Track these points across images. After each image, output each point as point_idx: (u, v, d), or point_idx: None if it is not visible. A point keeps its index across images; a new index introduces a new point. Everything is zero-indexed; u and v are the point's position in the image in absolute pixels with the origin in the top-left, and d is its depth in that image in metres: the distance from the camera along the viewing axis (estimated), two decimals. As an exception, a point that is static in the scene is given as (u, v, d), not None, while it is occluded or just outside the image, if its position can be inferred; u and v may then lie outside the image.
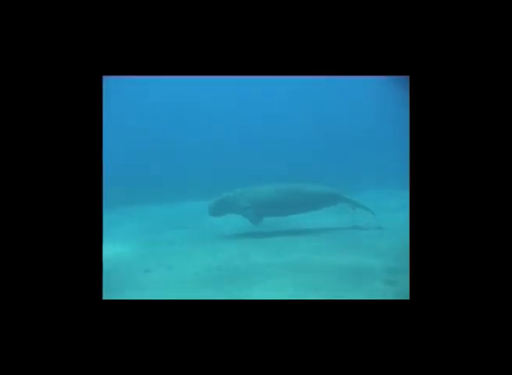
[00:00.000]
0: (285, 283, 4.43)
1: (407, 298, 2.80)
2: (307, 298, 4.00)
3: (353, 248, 5.77)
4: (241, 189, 6.73)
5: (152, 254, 5.98)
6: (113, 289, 4.32)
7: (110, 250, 6.19)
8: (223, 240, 6.57)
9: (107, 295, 3.16)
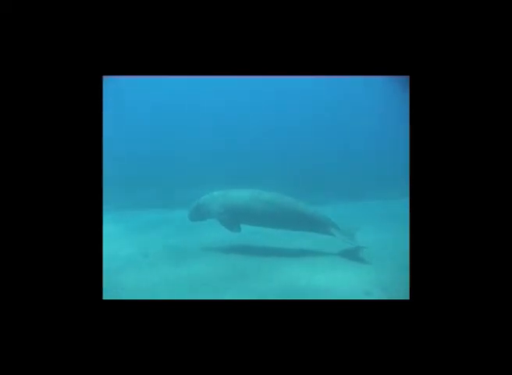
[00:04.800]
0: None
1: (407, 297, 2.80)
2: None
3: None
4: (218, 192, 6.21)
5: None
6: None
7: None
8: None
9: (108, 295, 3.16)
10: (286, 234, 6.42)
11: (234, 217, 5.97)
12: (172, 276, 5.03)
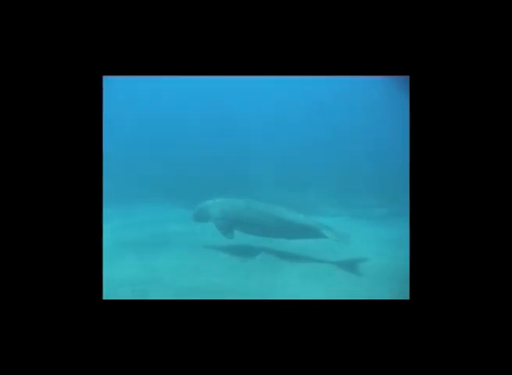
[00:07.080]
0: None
1: (407, 297, 2.80)
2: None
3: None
4: (220, 199, 6.75)
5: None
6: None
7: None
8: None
9: (108, 294, 3.16)
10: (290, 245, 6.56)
11: (229, 224, 6.49)
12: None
